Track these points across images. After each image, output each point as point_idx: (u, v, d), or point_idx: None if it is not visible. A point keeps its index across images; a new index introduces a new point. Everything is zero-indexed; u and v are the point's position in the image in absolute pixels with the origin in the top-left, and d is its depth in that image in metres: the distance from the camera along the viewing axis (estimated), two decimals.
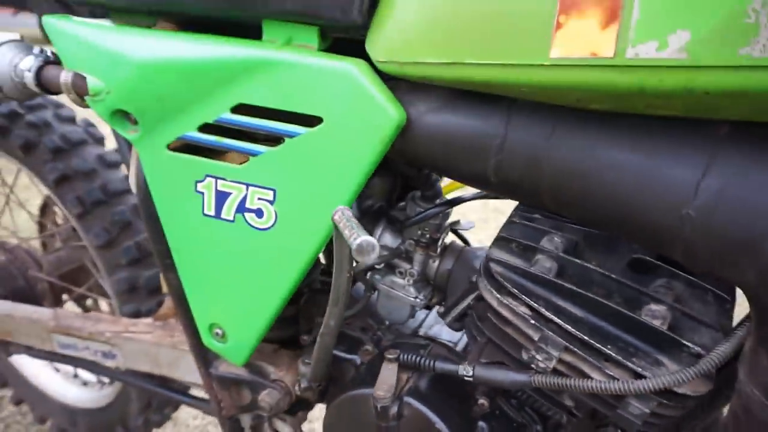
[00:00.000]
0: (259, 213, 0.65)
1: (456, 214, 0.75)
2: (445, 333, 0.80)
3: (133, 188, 0.71)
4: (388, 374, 0.64)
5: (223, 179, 0.66)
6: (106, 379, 1.31)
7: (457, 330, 0.73)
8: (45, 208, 1.30)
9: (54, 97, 0.92)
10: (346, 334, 0.76)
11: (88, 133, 1.09)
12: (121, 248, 1.01)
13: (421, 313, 0.84)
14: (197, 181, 0.67)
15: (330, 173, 0.61)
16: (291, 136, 0.61)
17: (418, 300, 0.73)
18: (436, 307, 0.81)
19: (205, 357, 0.78)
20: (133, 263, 1.01)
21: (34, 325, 1.00)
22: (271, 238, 0.65)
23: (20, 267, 1.15)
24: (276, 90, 0.60)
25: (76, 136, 1.02)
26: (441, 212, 0.69)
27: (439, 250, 0.70)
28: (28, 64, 0.71)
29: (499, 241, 0.62)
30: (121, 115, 0.67)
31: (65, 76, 0.67)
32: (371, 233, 0.74)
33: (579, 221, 0.57)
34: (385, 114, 0.57)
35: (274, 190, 0.64)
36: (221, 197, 0.66)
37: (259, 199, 0.65)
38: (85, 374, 1.36)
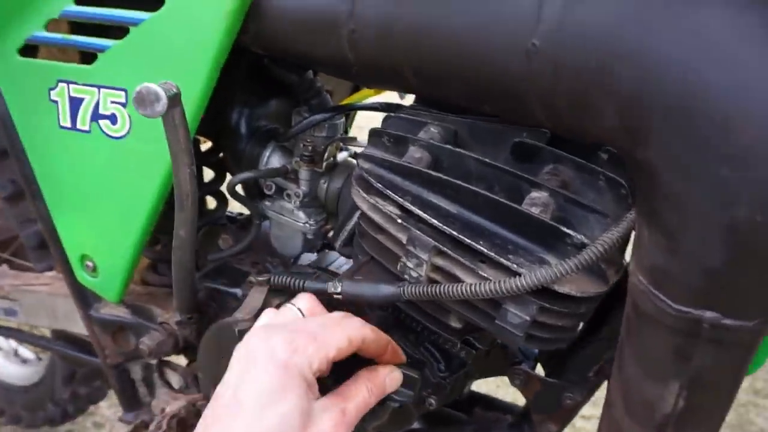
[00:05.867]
0: (113, 119, 0.58)
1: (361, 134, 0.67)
2: None
3: None
4: (255, 298, 0.56)
5: (75, 83, 0.59)
6: (42, 355, 1.24)
7: (349, 256, 0.64)
8: None
9: None
10: (234, 267, 0.68)
11: None
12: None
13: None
14: (50, 89, 0.60)
15: (178, 63, 0.54)
16: (135, 23, 0.54)
17: (308, 225, 0.65)
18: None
19: (83, 297, 0.70)
20: None
21: None
22: (127, 146, 0.58)
23: None
24: None
25: None
26: (324, 121, 0.61)
27: (325, 165, 0.62)
28: None
29: (372, 136, 0.54)
30: None
31: None
32: (260, 156, 0.67)
33: (444, 97, 0.48)
34: None
35: (125, 91, 0.57)
36: (75, 104, 0.60)
37: (112, 102, 0.58)
38: (25, 351, 1.30)
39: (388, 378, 0.50)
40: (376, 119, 0.61)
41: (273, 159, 0.66)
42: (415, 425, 0.75)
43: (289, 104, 0.71)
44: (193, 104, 0.54)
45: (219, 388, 0.42)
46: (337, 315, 0.48)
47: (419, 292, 0.47)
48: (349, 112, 0.64)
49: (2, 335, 0.97)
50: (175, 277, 0.57)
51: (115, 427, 1.42)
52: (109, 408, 1.45)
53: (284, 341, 0.42)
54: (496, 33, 0.38)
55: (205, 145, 0.77)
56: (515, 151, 0.49)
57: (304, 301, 0.50)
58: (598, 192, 0.46)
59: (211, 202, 0.80)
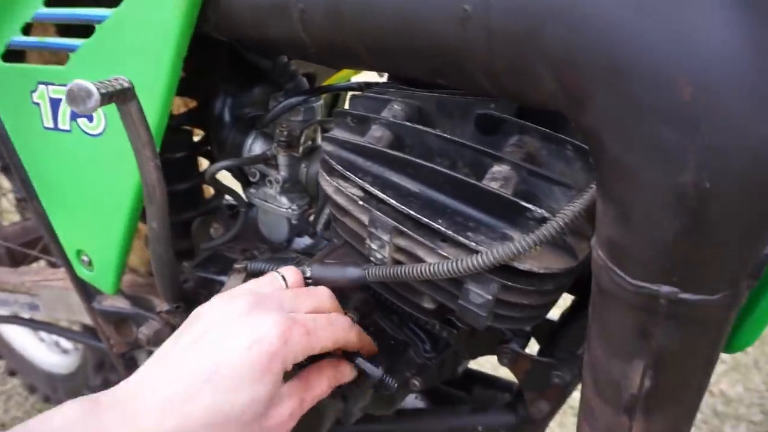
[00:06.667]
0: (90, 117, 0.59)
1: None
2: None
3: None
4: (233, 284, 0.56)
5: (53, 84, 0.60)
6: (79, 345, 1.31)
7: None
8: None
9: None
10: (224, 256, 0.69)
11: None
12: None
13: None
14: (32, 91, 0.62)
15: (141, 56, 0.53)
16: (99, 20, 0.54)
17: (290, 210, 0.64)
18: None
19: (85, 290, 0.73)
20: None
21: None
22: (105, 143, 0.59)
23: None
24: None
25: None
26: (299, 104, 0.60)
27: (302, 149, 0.62)
28: None
29: (336, 117, 0.52)
30: None
31: None
32: (242, 144, 0.67)
33: (402, 73, 0.47)
34: None
35: None
36: (55, 105, 0.61)
37: None
38: (66, 343, 1.37)
39: (349, 372, 0.49)
40: None
41: (255, 146, 0.66)
42: (418, 404, 0.74)
43: (272, 91, 0.71)
44: (159, 96, 0.54)
45: (190, 345, 0.40)
46: (331, 316, 0.47)
47: (382, 274, 0.46)
48: (328, 93, 0.62)
49: (33, 328, 1.02)
50: (155, 268, 0.58)
51: None
52: None
53: (279, 329, 0.41)
54: (431, 1, 0.36)
55: (198, 136, 0.78)
56: (480, 124, 0.47)
57: (290, 273, 0.50)
58: (566, 162, 0.44)
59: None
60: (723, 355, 1.59)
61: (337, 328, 0.46)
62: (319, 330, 0.44)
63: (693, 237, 0.30)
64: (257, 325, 0.41)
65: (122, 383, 0.40)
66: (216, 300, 0.45)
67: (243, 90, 0.69)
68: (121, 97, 0.44)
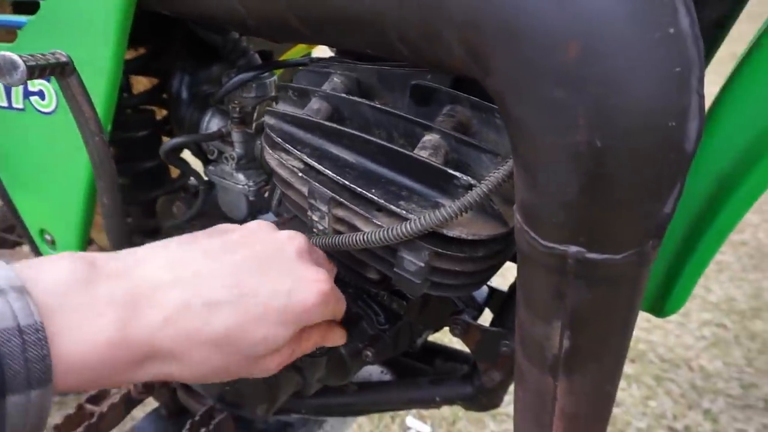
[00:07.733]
0: (41, 95, 0.59)
1: None
2: None
3: None
4: None
5: None
6: None
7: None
8: None
9: None
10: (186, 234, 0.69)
11: None
12: None
13: None
14: None
15: (85, 31, 0.54)
16: None
17: (247, 187, 0.65)
18: None
19: None
20: None
21: None
22: (57, 120, 0.59)
23: None
24: None
25: None
26: (250, 80, 0.60)
27: (254, 126, 0.62)
28: None
29: (279, 92, 0.53)
30: None
31: None
32: (200, 121, 0.67)
33: (334, 45, 0.47)
34: None
35: None
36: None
37: None
38: None
39: (337, 336, 0.51)
40: None
41: (212, 123, 0.66)
42: (384, 377, 0.76)
43: (228, 68, 0.71)
44: (105, 71, 0.54)
45: (229, 249, 0.40)
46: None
47: (320, 244, 0.47)
48: (275, 69, 0.62)
49: None
50: (110, 244, 0.59)
51: None
52: None
53: (323, 289, 0.42)
54: None
55: (161, 114, 0.79)
56: (414, 95, 0.47)
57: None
58: (497, 130, 0.44)
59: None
60: (704, 331, 1.60)
61: (344, 303, 0.48)
62: (341, 301, 0.47)
63: (592, 197, 0.31)
64: (305, 275, 0.41)
65: (128, 255, 0.39)
66: (264, 225, 0.45)
67: (201, 67, 0.69)
68: (58, 71, 0.44)
